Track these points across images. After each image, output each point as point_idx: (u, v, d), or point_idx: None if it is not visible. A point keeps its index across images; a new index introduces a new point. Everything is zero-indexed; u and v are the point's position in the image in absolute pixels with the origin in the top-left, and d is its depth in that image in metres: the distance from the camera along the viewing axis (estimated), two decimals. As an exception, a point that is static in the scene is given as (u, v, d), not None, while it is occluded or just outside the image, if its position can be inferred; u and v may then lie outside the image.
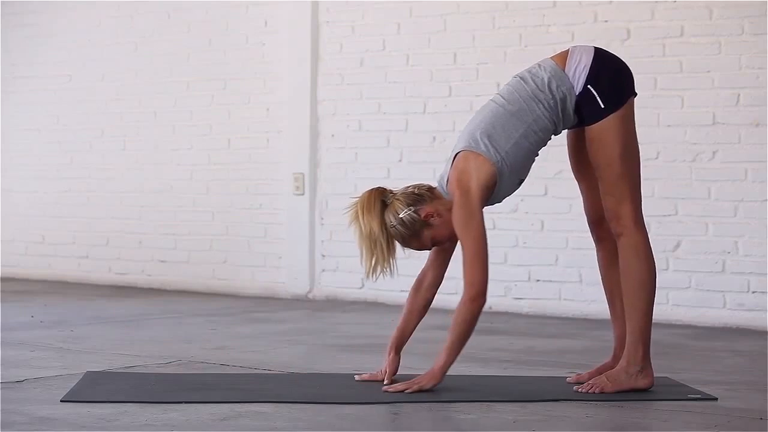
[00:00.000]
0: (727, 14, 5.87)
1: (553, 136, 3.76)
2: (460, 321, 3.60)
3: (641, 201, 3.73)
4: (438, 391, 3.62)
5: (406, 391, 3.61)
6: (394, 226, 3.66)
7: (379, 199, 3.69)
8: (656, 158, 5.92)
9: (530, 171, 3.77)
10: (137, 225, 7.81)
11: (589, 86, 3.65)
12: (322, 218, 7.07)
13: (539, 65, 3.73)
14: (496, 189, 3.66)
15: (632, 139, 3.71)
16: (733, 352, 4.91)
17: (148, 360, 4.37)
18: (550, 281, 6.32)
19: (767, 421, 3.34)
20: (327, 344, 5.00)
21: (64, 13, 8.13)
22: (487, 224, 3.67)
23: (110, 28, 7.93)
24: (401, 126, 6.80)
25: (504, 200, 3.79)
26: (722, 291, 5.87)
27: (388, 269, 3.66)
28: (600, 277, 3.96)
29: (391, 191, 3.72)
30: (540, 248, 6.33)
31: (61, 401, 3.46)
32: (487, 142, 3.63)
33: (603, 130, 3.66)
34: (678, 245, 5.95)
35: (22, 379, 3.87)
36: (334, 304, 6.78)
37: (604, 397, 3.62)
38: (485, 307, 3.68)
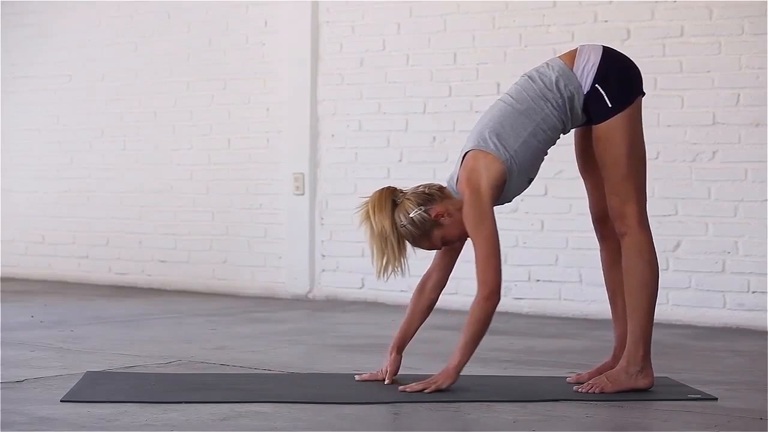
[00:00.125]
0: (727, 14, 5.87)
1: (561, 135, 3.76)
2: (474, 320, 3.61)
3: (646, 201, 3.73)
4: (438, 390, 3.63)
5: (425, 391, 3.61)
6: (405, 226, 3.65)
7: (390, 198, 3.68)
8: (656, 158, 5.92)
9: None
10: (137, 225, 7.81)
11: (596, 85, 3.66)
12: (322, 218, 7.07)
13: (547, 64, 3.74)
14: (506, 188, 3.67)
15: (639, 138, 3.71)
16: (733, 352, 4.91)
17: (148, 360, 4.37)
18: (550, 281, 6.32)
19: (767, 421, 3.34)
20: (327, 344, 5.00)
21: (64, 13, 8.13)
22: (487, 224, 3.67)
23: (110, 28, 7.93)
24: (401, 126, 6.80)
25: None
26: (722, 291, 5.87)
27: (399, 269, 3.66)
28: (602, 276, 3.96)
29: (401, 191, 3.72)
30: (540, 248, 6.34)
31: (61, 401, 3.46)
32: (496, 140, 3.63)
33: (610, 129, 3.66)
34: (678, 245, 5.95)
35: (22, 379, 3.87)
36: (334, 304, 6.78)
37: (604, 397, 3.62)
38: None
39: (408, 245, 3.69)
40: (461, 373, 3.68)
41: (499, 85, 6.43)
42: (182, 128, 7.63)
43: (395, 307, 6.52)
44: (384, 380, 3.81)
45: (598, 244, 3.98)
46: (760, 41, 5.79)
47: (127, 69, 7.84)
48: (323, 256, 7.06)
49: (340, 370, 4.21)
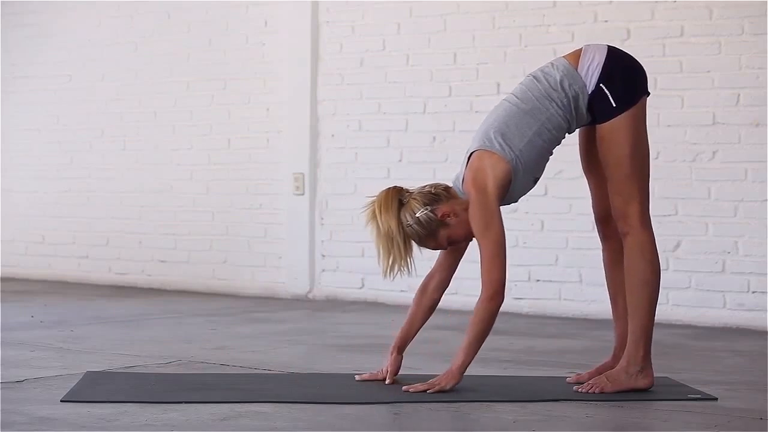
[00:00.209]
0: (727, 14, 5.87)
1: (567, 135, 3.76)
2: (477, 320, 3.61)
3: (649, 201, 3.73)
4: (438, 391, 3.64)
5: (428, 391, 3.61)
6: (411, 226, 3.66)
7: (396, 198, 3.68)
8: (656, 158, 5.91)
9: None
10: (137, 225, 7.81)
11: (601, 85, 3.66)
12: (322, 218, 7.07)
13: (552, 64, 3.74)
14: (512, 188, 3.67)
15: (642, 138, 3.71)
16: (733, 352, 4.91)
17: (148, 360, 4.37)
18: (550, 281, 6.32)
19: (767, 421, 3.34)
20: (327, 344, 5.00)
21: (64, 13, 8.13)
22: (487, 224, 3.67)
23: (110, 28, 7.93)
24: (401, 126, 6.80)
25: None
26: (722, 291, 5.87)
27: (405, 268, 3.67)
28: (603, 276, 3.96)
29: (407, 190, 3.72)
30: (540, 248, 6.34)
31: (61, 401, 3.46)
32: (501, 140, 3.64)
33: (614, 128, 3.66)
34: (678, 245, 5.95)
35: (22, 379, 3.87)
36: (334, 304, 6.78)
37: (604, 397, 3.62)
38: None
39: (414, 245, 3.69)
40: (461, 373, 3.69)
41: (499, 85, 6.43)
42: (182, 128, 7.63)
43: (395, 307, 6.52)
44: (384, 380, 3.81)
45: (598, 244, 3.98)
46: (760, 41, 5.79)
47: (127, 69, 7.84)
48: (323, 256, 7.06)
49: (340, 370, 4.21)
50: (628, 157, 3.67)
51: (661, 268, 3.76)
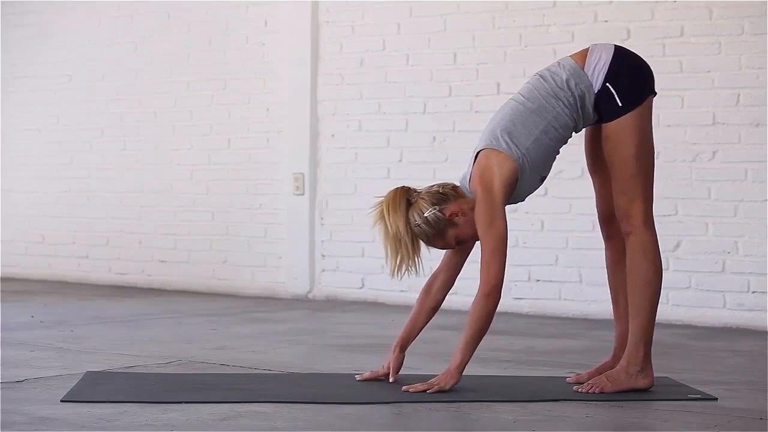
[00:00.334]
0: (727, 14, 5.87)
1: (573, 134, 3.77)
2: (474, 318, 3.61)
3: (653, 201, 3.73)
4: (438, 391, 3.64)
5: (428, 391, 3.61)
6: (419, 225, 3.66)
7: (404, 198, 3.69)
8: (656, 158, 5.84)
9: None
10: (137, 225, 7.81)
11: (607, 84, 3.66)
12: (322, 218, 7.07)
13: (558, 63, 3.75)
14: (518, 186, 3.68)
15: (648, 138, 3.71)
16: (733, 352, 4.91)
17: (148, 360, 4.37)
18: (550, 281, 6.32)
19: (767, 421, 3.34)
20: (327, 344, 5.00)
21: (64, 13, 8.13)
22: (487, 224, 3.67)
23: (110, 28, 7.93)
24: (401, 126, 6.80)
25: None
26: (722, 291, 5.87)
27: (413, 268, 3.67)
28: (603, 275, 3.96)
29: (415, 190, 3.73)
30: (540, 248, 6.34)
31: (61, 401, 3.46)
32: (507, 139, 3.64)
33: (619, 128, 3.66)
34: (678, 245, 5.95)
35: (22, 379, 3.87)
36: (334, 304, 6.78)
37: (604, 397, 3.62)
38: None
39: (422, 244, 3.69)
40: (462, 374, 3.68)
41: (499, 85, 6.43)
42: (182, 128, 7.63)
43: (395, 307, 6.52)
44: (384, 377, 3.82)
45: (598, 244, 3.98)
46: (760, 41, 5.79)
47: (127, 69, 7.84)
48: (323, 256, 7.06)
49: (340, 370, 4.21)
50: (633, 157, 3.67)
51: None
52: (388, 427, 3.24)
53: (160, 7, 7.72)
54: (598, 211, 3.92)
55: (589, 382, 3.73)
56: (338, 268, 7.01)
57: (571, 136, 3.77)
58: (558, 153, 3.76)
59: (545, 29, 6.35)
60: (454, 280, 3.88)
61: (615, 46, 3.75)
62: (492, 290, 3.60)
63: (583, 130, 3.84)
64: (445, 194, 3.70)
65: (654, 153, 3.74)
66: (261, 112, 7.32)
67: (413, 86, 6.76)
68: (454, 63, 6.63)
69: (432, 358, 4.32)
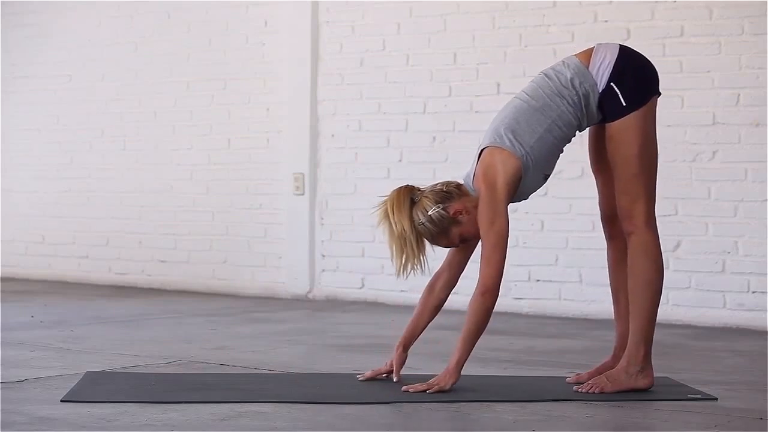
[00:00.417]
0: (727, 14, 5.87)
1: (577, 132, 3.77)
2: (471, 315, 3.62)
3: (655, 201, 3.73)
4: (438, 390, 3.64)
5: (428, 391, 3.61)
6: (423, 224, 3.66)
7: (408, 196, 3.69)
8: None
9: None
10: (137, 225, 7.81)
11: (612, 84, 3.66)
12: (322, 218, 7.07)
13: (563, 62, 3.75)
14: (522, 184, 3.68)
15: (651, 139, 3.71)
16: (733, 352, 4.91)
17: (148, 360, 4.37)
18: (550, 281, 6.32)
19: (767, 421, 3.34)
20: (327, 344, 5.00)
21: (64, 13, 8.13)
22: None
23: (110, 28, 7.93)
24: (401, 126, 6.80)
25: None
26: (722, 291, 5.87)
27: (418, 266, 3.68)
28: (603, 276, 3.96)
29: (419, 189, 3.73)
30: (540, 248, 6.34)
31: (61, 401, 3.46)
32: (511, 137, 3.64)
33: (623, 128, 3.67)
34: (678, 245, 5.95)
35: (22, 379, 3.86)
36: (334, 304, 6.78)
37: (604, 397, 3.62)
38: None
39: (427, 243, 3.69)
40: (462, 374, 3.68)
41: (499, 85, 6.43)
42: (182, 128, 7.63)
43: (395, 307, 6.53)
44: (386, 375, 3.83)
45: (598, 244, 3.99)
46: (760, 41, 5.79)
47: (127, 69, 7.84)
48: (323, 256, 7.06)
49: (340, 370, 4.21)
50: (636, 157, 3.67)
51: (663, 268, 3.76)
52: (388, 427, 3.25)
53: (160, 7, 7.72)
54: (600, 211, 3.92)
55: (589, 382, 3.73)
56: (338, 268, 7.01)
57: (575, 135, 3.77)
58: (562, 151, 3.77)
59: (545, 29, 6.35)
60: (457, 279, 3.88)
61: (620, 45, 3.75)
62: (489, 287, 3.60)
63: (587, 129, 3.84)
64: (449, 192, 3.71)
65: (657, 153, 3.74)
66: (261, 112, 7.32)
67: (413, 86, 6.76)
68: (454, 63, 6.63)
69: (432, 358, 4.32)
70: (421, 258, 3.68)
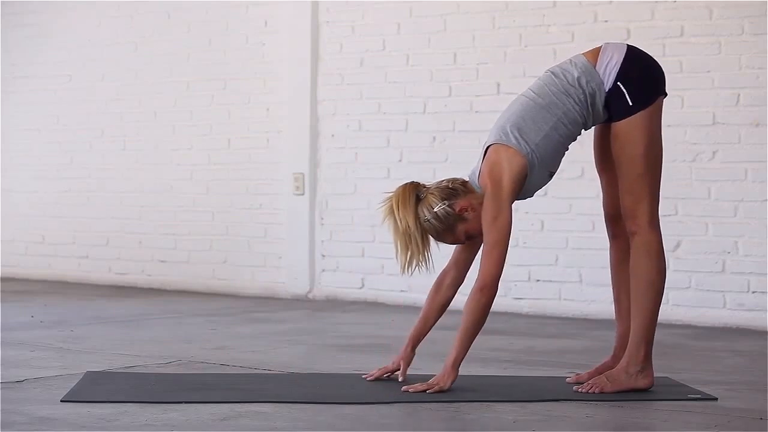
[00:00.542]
0: (727, 14, 5.87)
1: (583, 131, 3.77)
2: (468, 312, 3.62)
3: (659, 202, 3.73)
4: (438, 390, 3.64)
5: (428, 391, 3.61)
6: (429, 221, 3.66)
7: (414, 193, 3.69)
8: (656, 158, 5.91)
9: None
10: (137, 225, 7.81)
11: (619, 83, 3.67)
12: (322, 218, 7.07)
13: (570, 61, 3.75)
14: (527, 182, 3.68)
15: (657, 139, 3.71)
16: (733, 352, 4.91)
17: (148, 360, 4.37)
18: (550, 281, 6.32)
19: (767, 421, 3.34)
20: (327, 344, 5.00)
21: (64, 13, 8.13)
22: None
23: (110, 28, 7.93)
24: (401, 126, 6.80)
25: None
26: (722, 291, 5.87)
27: (423, 263, 3.68)
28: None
29: (424, 185, 3.73)
30: (540, 248, 6.34)
31: (61, 401, 3.46)
32: (517, 134, 3.64)
33: (628, 127, 3.67)
34: (678, 245, 5.95)
35: (22, 379, 3.86)
36: (334, 304, 6.78)
37: (604, 397, 3.62)
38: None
39: (431, 240, 3.69)
40: (462, 374, 3.68)
41: (499, 85, 6.43)
42: (182, 128, 7.63)
43: (395, 307, 6.53)
44: (394, 372, 3.83)
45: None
46: (760, 41, 5.79)
47: (127, 69, 7.84)
48: (323, 256, 7.06)
49: (340, 370, 4.21)
50: (641, 157, 3.67)
51: (664, 268, 3.76)
52: (388, 427, 3.24)
53: (160, 7, 7.72)
54: (604, 210, 3.93)
55: (589, 382, 3.73)
56: (338, 268, 7.01)
57: (580, 133, 3.77)
58: (567, 149, 3.77)
59: (545, 29, 6.35)
60: (464, 277, 3.87)
61: (628, 45, 3.76)
62: (488, 283, 3.60)
63: (592, 128, 3.84)
64: (455, 189, 3.71)
65: (662, 154, 3.74)
66: (261, 112, 7.32)
67: (413, 86, 6.76)
68: (454, 63, 6.63)
69: (432, 358, 4.31)
70: (426, 255, 3.68)
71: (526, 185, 3.69)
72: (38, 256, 8.22)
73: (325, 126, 7.05)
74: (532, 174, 3.68)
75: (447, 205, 3.67)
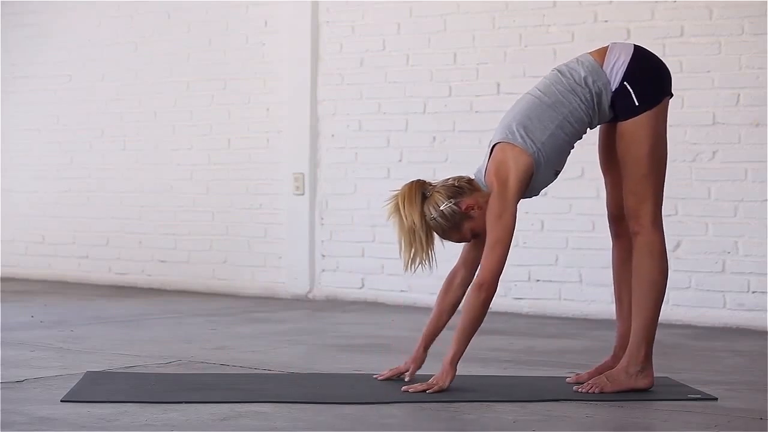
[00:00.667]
0: (727, 14, 5.87)
1: (588, 130, 3.77)
2: (466, 310, 3.62)
3: (662, 202, 3.73)
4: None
5: (428, 391, 3.61)
6: (435, 219, 3.67)
7: (420, 191, 3.70)
8: (656, 158, 5.91)
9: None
10: (137, 225, 7.81)
11: (625, 83, 3.67)
12: (322, 218, 7.07)
13: (577, 60, 3.76)
14: (533, 180, 3.68)
15: (662, 139, 3.72)
16: (733, 352, 4.91)
17: (148, 360, 4.37)
18: (550, 281, 6.32)
19: (767, 421, 3.34)
20: (327, 344, 5.00)
21: (64, 13, 8.13)
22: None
23: (110, 28, 7.93)
24: (401, 126, 6.80)
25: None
26: (722, 291, 5.87)
27: (426, 261, 3.67)
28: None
29: (430, 183, 3.73)
30: (540, 248, 6.33)
31: (61, 401, 3.46)
32: (523, 133, 3.65)
33: (634, 127, 3.67)
34: (678, 245, 5.95)
35: (22, 379, 3.87)
36: (334, 304, 6.78)
37: (604, 397, 3.62)
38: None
39: (436, 238, 3.69)
40: (462, 374, 3.68)
41: (499, 85, 6.43)
42: (182, 128, 7.63)
43: (395, 307, 6.53)
44: (405, 373, 3.82)
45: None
46: (760, 41, 5.79)
47: (127, 69, 7.84)
48: (323, 256, 7.06)
49: (340, 370, 4.21)
50: (646, 157, 3.67)
51: (663, 268, 3.75)
52: (388, 427, 3.24)
53: (160, 7, 7.72)
54: (607, 210, 3.93)
55: (589, 382, 3.73)
56: (338, 268, 7.01)
57: (585, 132, 3.78)
58: (573, 147, 3.77)
59: (545, 29, 6.35)
60: (473, 277, 3.86)
61: (634, 45, 3.76)
62: (487, 281, 3.60)
63: (597, 128, 3.84)
64: (461, 188, 3.71)
65: (667, 155, 3.74)
66: (261, 112, 7.32)
67: (413, 86, 6.76)
68: (454, 63, 6.63)
69: (432, 358, 4.31)
70: (429, 253, 3.68)
71: (532, 184, 3.70)
72: (38, 256, 8.22)
73: (325, 126, 7.05)
74: (538, 172, 3.68)
75: (453, 203, 3.67)
